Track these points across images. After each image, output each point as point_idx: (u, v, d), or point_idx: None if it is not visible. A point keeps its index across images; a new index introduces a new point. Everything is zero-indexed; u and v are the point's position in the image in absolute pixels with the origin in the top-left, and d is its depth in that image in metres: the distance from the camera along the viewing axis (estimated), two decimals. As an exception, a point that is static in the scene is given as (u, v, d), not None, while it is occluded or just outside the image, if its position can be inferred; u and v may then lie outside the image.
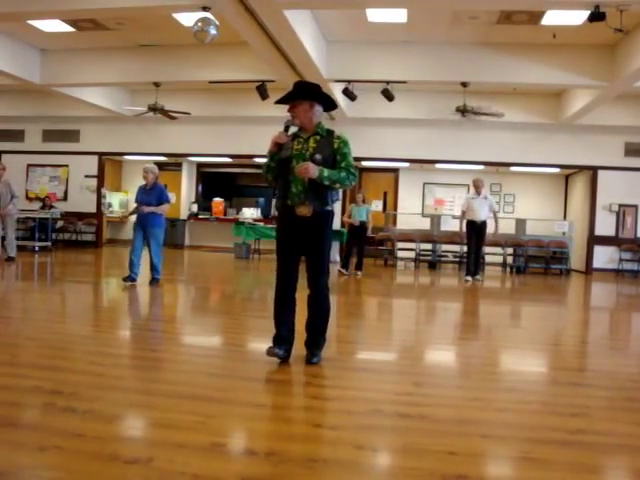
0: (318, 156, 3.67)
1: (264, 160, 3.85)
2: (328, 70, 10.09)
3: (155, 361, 4.00)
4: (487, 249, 11.82)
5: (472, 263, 9.99)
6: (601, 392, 3.58)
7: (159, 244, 7.67)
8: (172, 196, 16.62)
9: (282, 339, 3.75)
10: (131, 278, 7.45)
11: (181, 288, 8.88)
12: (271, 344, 3.75)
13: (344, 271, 10.26)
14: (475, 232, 9.87)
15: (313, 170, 3.56)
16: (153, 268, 7.64)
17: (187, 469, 2.22)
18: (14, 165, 15.19)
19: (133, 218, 8.21)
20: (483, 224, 9.89)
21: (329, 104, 3.92)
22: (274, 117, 12.75)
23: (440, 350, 4.87)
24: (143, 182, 7.64)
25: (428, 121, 13.00)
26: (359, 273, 10.31)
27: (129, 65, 11.08)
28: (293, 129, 3.83)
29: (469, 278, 9.94)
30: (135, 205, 7.84)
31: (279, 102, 3.90)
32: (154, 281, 7.64)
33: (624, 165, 12.97)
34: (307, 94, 3.79)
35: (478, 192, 9.91)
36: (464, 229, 10.05)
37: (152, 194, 7.56)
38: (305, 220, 3.72)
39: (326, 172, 3.61)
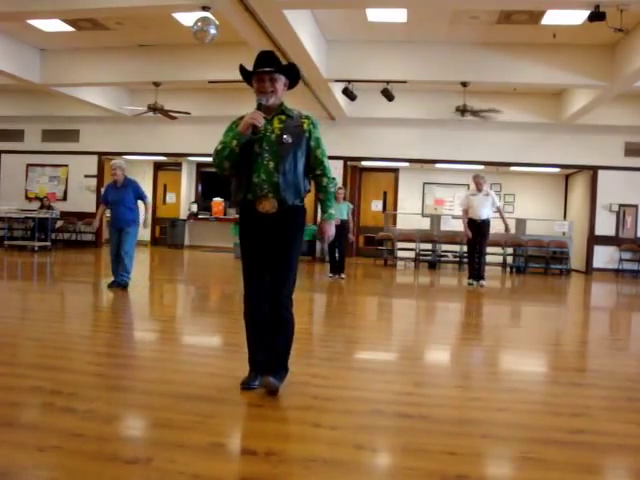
0: (287, 137, 3.09)
1: (217, 145, 3.15)
2: (328, 70, 10.09)
3: (154, 361, 4.00)
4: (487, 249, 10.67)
5: (473, 266, 9.26)
6: (601, 392, 3.58)
7: (132, 243, 7.14)
8: (172, 196, 16.72)
9: (259, 363, 3.22)
10: (117, 283, 7.06)
11: (180, 288, 8.88)
12: (248, 371, 3.27)
13: (333, 275, 9.61)
14: (476, 231, 9.04)
15: (332, 227, 3.20)
16: (123, 269, 7.05)
17: (187, 469, 2.22)
18: (14, 165, 15.22)
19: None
20: (484, 223, 9.03)
21: (294, 82, 3.31)
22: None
23: (440, 350, 4.87)
24: (140, 183, 7.35)
25: (428, 121, 13.00)
26: (343, 276, 9.64)
27: (129, 65, 11.08)
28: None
29: (473, 282, 9.16)
30: (102, 206, 7.32)
31: (257, 72, 3.16)
32: (122, 283, 7.05)
33: (624, 165, 12.97)
34: (286, 68, 3.22)
35: (479, 189, 9.10)
36: (467, 229, 9.20)
37: (125, 192, 7.05)
38: (270, 218, 3.10)
39: (329, 206, 3.22)
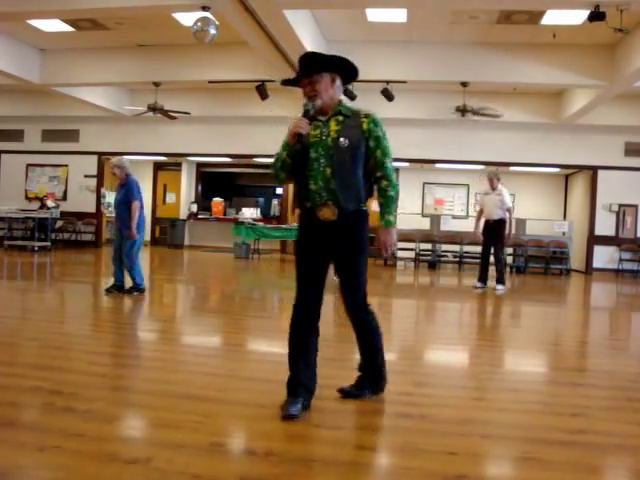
0: (344, 140, 2.89)
1: (274, 156, 3.03)
2: (328, 70, 10.07)
3: (154, 361, 4.00)
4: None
5: (484, 268, 8.87)
6: (601, 392, 3.58)
7: (132, 251, 6.65)
8: (172, 196, 16.71)
9: (299, 386, 2.96)
10: (117, 287, 6.68)
11: (180, 288, 8.88)
12: (286, 394, 2.97)
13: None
14: (489, 233, 8.77)
15: (391, 235, 2.98)
16: (131, 277, 6.72)
17: (186, 469, 2.22)
18: (13, 165, 15.21)
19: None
20: (496, 223, 8.67)
21: (351, 74, 3.09)
22: (274, 117, 12.83)
23: (440, 350, 4.87)
24: (140, 183, 6.92)
25: (428, 121, 12.99)
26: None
27: (129, 65, 11.07)
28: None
29: (478, 284, 8.84)
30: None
31: (291, 83, 3.09)
32: (133, 290, 6.69)
33: (624, 165, 12.96)
34: (327, 65, 2.96)
35: (492, 187, 8.80)
36: (477, 229, 8.97)
37: (123, 192, 6.66)
38: (331, 225, 2.94)
39: (389, 212, 2.99)
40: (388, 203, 2.99)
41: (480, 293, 8.65)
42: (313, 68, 2.94)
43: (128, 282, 6.80)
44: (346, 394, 3.17)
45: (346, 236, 2.97)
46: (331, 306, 7.31)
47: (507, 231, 8.75)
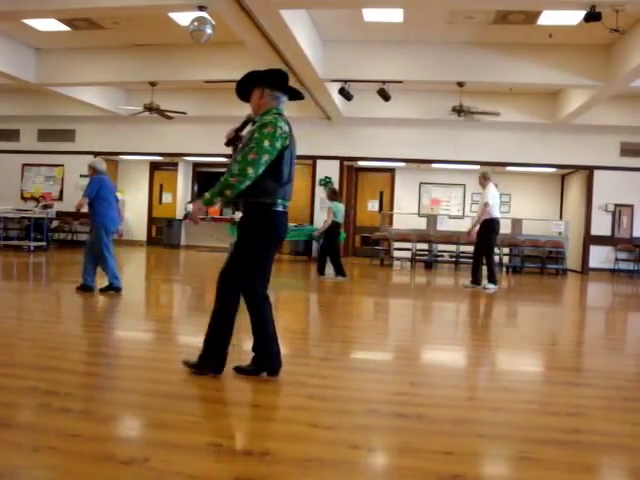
0: (240, 146, 3.37)
1: None
2: (324, 70, 10.09)
3: (151, 361, 3.99)
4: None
5: (490, 268, 8.86)
6: (597, 392, 3.58)
7: (89, 246, 6.92)
8: (169, 196, 16.69)
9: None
10: (111, 286, 6.78)
11: (177, 288, 8.86)
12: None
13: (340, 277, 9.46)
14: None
15: (196, 209, 3.30)
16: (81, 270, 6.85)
17: (183, 469, 2.22)
18: (9, 165, 15.16)
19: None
20: (483, 223, 8.73)
21: (277, 79, 3.38)
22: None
23: (436, 350, 4.87)
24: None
25: (424, 121, 13.01)
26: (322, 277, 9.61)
27: (125, 64, 11.06)
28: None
29: (488, 285, 8.77)
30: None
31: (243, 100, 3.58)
32: (83, 287, 6.76)
33: (620, 165, 13.01)
34: (249, 82, 3.39)
35: (482, 186, 8.84)
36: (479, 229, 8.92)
37: None
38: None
39: (210, 190, 3.20)
40: (217, 184, 3.19)
41: (493, 294, 8.62)
42: (241, 89, 3.47)
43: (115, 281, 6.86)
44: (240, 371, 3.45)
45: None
46: (323, 307, 7.31)
47: (471, 227, 8.86)
